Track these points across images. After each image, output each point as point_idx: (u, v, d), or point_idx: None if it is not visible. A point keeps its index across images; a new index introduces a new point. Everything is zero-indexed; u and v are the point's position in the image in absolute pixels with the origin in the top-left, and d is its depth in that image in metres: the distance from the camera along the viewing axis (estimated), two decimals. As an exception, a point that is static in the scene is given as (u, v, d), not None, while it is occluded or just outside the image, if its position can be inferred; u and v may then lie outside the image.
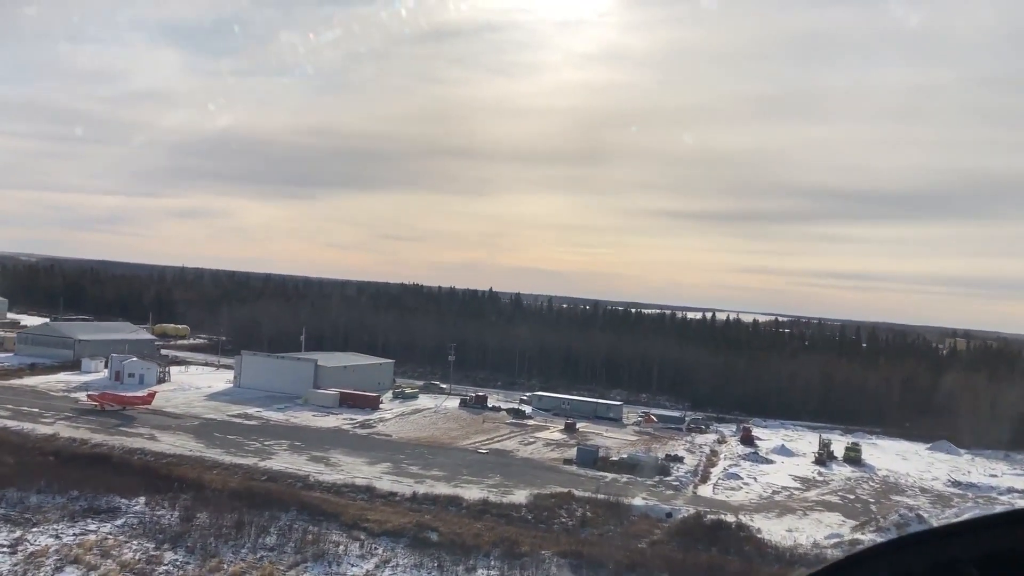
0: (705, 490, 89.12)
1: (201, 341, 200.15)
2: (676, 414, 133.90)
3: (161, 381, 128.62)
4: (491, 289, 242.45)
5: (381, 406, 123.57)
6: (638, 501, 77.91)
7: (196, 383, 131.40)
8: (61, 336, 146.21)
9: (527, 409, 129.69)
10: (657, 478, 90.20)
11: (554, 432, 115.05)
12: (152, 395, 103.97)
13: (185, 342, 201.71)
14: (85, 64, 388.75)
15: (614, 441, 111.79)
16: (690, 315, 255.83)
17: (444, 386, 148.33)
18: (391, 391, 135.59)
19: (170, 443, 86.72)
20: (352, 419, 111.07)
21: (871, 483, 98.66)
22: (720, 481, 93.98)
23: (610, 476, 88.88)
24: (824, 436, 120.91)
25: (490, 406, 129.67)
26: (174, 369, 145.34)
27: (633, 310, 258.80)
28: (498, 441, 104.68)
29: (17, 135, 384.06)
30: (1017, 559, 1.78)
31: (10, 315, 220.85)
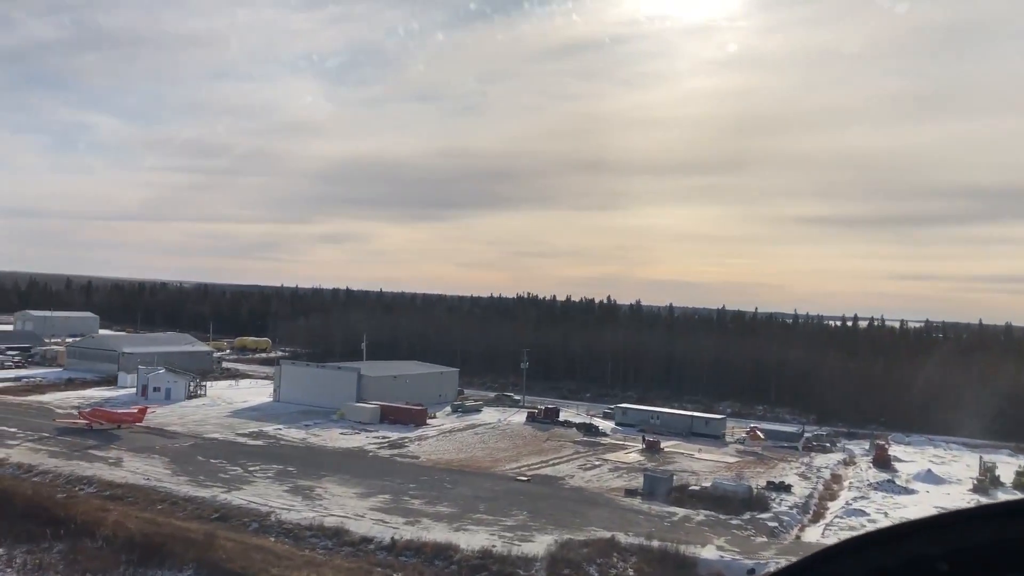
0: (814, 533, 65.79)
1: (281, 354, 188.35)
2: (792, 429, 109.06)
3: (193, 396, 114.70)
4: (609, 297, 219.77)
5: (431, 421, 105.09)
6: (710, 553, 55.72)
7: (234, 397, 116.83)
8: (106, 349, 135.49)
9: (601, 424, 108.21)
10: (748, 515, 67.36)
11: (630, 452, 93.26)
12: (143, 411, 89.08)
13: (265, 355, 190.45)
14: (235, 100, 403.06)
15: (706, 464, 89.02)
16: (829, 323, 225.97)
17: (517, 398, 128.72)
18: (452, 404, 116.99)
19: (132, 470, 70.69)
20: (385, 437, 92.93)
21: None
22: (837, 519, 70.16)
23: (682, 513, 66.73)
24: (986, 457, 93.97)
25: (561, 421, 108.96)
26: (222, 383, 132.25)
27: (746, 313, 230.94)
28: (553, 464, 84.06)
29: (176, 170, 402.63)
30: (986, 554, 1.80)
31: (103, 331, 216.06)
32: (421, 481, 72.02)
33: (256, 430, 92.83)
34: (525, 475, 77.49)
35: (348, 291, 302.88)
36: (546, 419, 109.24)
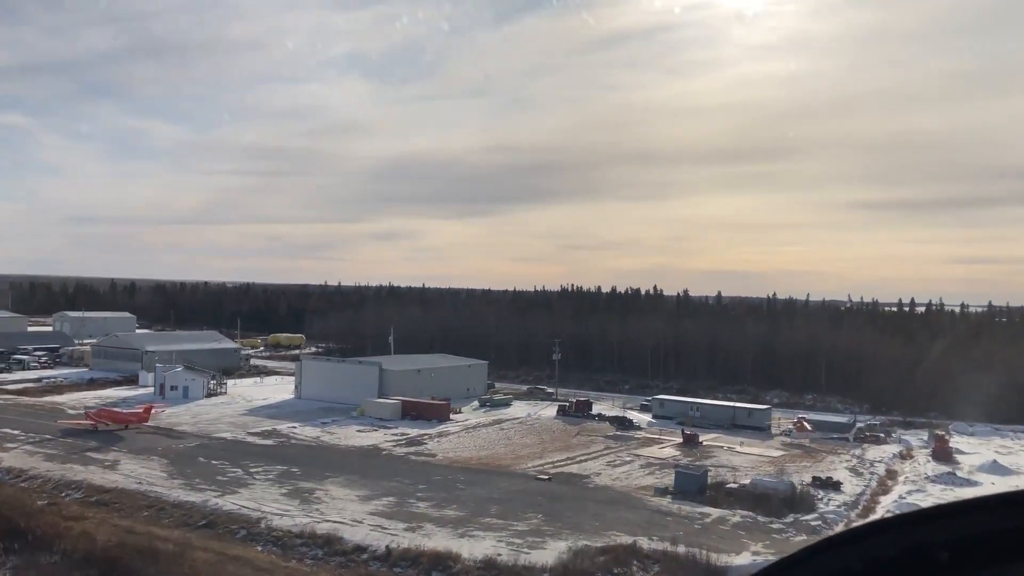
0: (865, 535, 58.70)
1: (314, 350, 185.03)
2: (842, 419, 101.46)
3: (213, 394, 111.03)
4: (655, 286, 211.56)
5: (456, 416, 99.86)
6: (743, 559, 49.39)
7: (256, 395, 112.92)
8: (130, 348, 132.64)
9: (637, 417, 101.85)
10: (791, 517, 60.74)
11: (666, 447, 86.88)
12: (148, 410, 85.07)
13: (299, 352, 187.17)
14: (285, 102, 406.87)
15: (747, 458, 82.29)
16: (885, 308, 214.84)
17: (551, 391, 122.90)
18: (479, 398, 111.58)
19: (126, 473, 66.50)
20: (404, 434, 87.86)
21: None
22: (889, 516, 62.86)
23: (715, 514, 60.35)
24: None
25: (594, 414, 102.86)
26: (247, 380, 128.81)
27: (796, 299, 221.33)
28: (579, 461, 78.12)
29: (229, 173, 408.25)
30: (986, 543, 1.84)
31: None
32: (433, 481, 66.65)
33: (269, 428, 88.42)
34: (547, 473, 71.66)
35: (391, 287, 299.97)
36: (578, 412, 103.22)
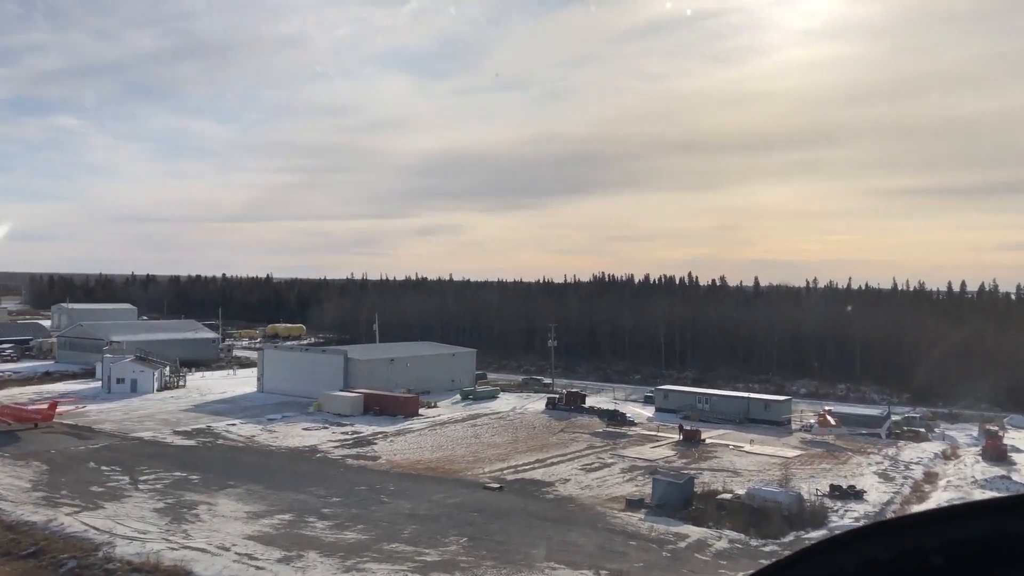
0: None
1: (313, 340, 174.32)
2: (873, 412, 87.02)
3: (168, 387, 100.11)
4: (689, 274, 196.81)
5: (429, 411, 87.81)
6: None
7: (216, 388, 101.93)
8: (92, 338, 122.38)
9: (636, 411, 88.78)
10: (792, 535, 47.37)
11: (660, 446, 73.72)
12: (54, 406, 74.03)
13: (298, 342, 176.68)
14: (328, 99, 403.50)
15: (755, 460, 68.81)
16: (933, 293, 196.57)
17: (547, 381, 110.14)
18: (461, 390, 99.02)
19: (-14, 481, 55.24)
20: (356, 433, 75.85)
21: None
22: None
23: (696, 535, 47.23)
24: None
25: (588, 407, 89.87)
26: (219, 372, 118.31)
27: (837, 285, 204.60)
28: (550, 464, 65.34)
29: (274, 171, 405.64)
30: (981, 548, 1.83)
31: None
32: (354, 493, 54.40)
33: (203, 427, 76.99)
34: (502, 480, 59.02)
35: (416, 278, 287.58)
36: (568, 406, 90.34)
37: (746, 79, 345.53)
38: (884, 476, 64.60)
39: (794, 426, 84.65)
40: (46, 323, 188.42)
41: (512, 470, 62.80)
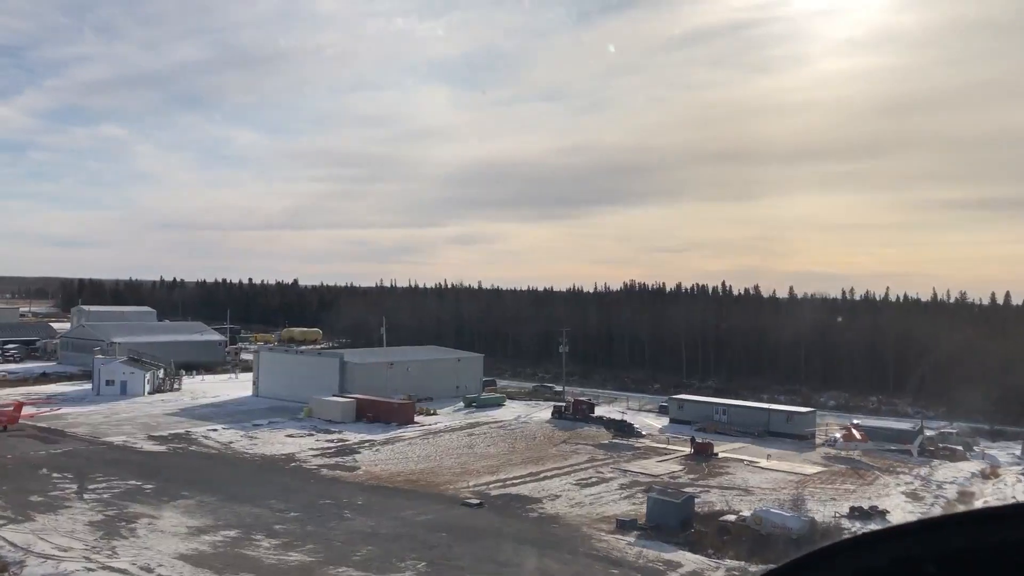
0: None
1: (328, 345, 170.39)
2: (904, 426, 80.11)
3: (160, 390, 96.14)
4: (723, 283, 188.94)
5: (427, 418, 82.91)
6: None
7: (211, 391, 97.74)
8: (93, 339, 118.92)
9: (647, 422, 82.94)
10: (803, 569, 41.29)
11: (667, 460, 67.81)
12: (19, 407, 70.05)
13: (315, 347, 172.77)
14: (367, 109, 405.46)
15: (771, 477, 62.64)
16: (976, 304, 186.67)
17: (559, 389, 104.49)
18: (465, 397, 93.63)
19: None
20: (342, 441, 70.87)
21: None
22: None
23: (691, 564, 41.46)
24: None
25: (596, 417, 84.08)
26: (221, 376, 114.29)
27: (875, 295, 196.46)
28: (544, 478, 59.78)
29: (314, 180, 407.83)
30: (973, 558, 1.83)
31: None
32: (316, 507, 49.30)
33: (181, 432, 72.52)
34: (484, 496, 53.56)
35: (446, 286, 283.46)
36: (575, 415, 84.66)
37: (787, 89, 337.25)
38: (913, 496, 58.19)
39: (818, 440, 78.22)
40: (66, 325, 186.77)
41: (499, 484, 57.34)
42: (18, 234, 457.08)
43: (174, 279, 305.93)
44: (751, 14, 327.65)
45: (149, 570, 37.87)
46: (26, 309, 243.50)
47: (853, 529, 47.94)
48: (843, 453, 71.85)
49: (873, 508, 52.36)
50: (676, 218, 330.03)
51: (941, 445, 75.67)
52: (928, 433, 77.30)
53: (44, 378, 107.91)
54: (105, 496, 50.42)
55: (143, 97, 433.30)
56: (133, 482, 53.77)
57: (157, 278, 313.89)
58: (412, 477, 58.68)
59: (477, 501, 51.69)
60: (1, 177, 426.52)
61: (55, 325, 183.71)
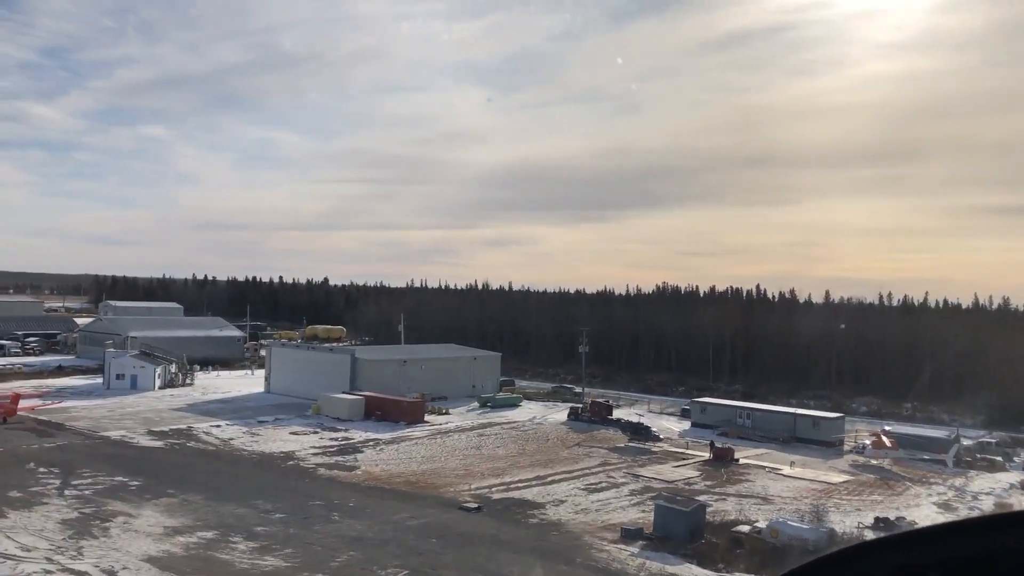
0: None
1: (351, 343, 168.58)
2: (938, 434, 75.84)
3: (172, 384, 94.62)
4: (758, 286, 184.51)
5: (439, 416, 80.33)
6: None
7: (223, 387, 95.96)
8: (110, 333, 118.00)
9: (667, 425, 79.59)
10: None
11: (685, 465, 64.44)
12: (16, 399, 68.44)
13: (339, 344, 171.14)
14: (402, 111, 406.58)
15: (794, 485, 59.05)
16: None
17: (578, 390, 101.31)
18: (480, 396, 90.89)
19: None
20: (347, 440, 68.42)
21: None
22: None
23: (696, 579, 38.17)
24: None
25: (614, 419, 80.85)
26: (237, 372, 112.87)
27: (913, 299, 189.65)
28: (552, 481, 56.76)
29: (350, 181, 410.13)
30: (977, 566, 1.82)
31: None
32: (305, 508, 46.73)
33: (183, 427, 70.56)
34: (485, 499, 50.66)
35: (476, 286, 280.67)
36: (592, 417, 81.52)
37: (826, 92, 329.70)
38: (946, 507, 54.33)
39: (847, 447, 74.32)
40: (89, 319, 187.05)
41: (503, 487, 54.41)
42: (62, 232, 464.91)
43: (205, 276, 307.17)
44: (789, 16, 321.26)
45: (111, 573, 35.46)
46: (59, 304, 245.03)
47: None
48: (872, 461, 67.93)
49: (900, 519, 48.66)
50: (710, 222, 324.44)
51: (980, 455, 71.44)
52: (965, 442, 73.01)
53: (60, 371, 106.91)
54: (87, 493, 48.27)
55: (184, 98, 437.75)
56: (119, 478, 51.61)
57: (188, 276, 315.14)
58: (412, 478, 55.95)
59: (475, 505, 48.75)
60: (47, 176, 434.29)
61: (84, 320, 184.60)
